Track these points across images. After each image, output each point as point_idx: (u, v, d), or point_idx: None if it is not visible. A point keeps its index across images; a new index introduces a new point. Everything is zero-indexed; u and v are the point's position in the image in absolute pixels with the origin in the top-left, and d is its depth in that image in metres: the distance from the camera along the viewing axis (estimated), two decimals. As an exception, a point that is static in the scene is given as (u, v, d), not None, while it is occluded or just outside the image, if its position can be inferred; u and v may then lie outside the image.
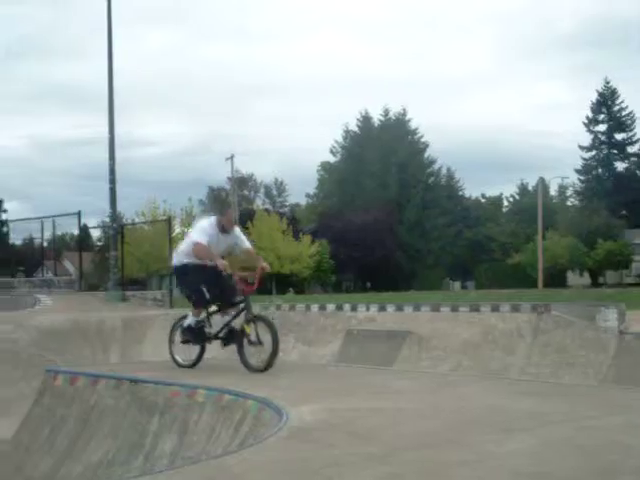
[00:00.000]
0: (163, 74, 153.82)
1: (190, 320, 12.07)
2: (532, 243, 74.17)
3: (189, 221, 71.52)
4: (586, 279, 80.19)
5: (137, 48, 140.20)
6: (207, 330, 12.07)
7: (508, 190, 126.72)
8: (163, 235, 34.01)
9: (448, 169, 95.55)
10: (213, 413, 9.17)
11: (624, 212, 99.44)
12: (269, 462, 5.99)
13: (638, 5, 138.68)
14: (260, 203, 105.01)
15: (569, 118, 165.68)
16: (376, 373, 11.86)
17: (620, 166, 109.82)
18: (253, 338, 11.22)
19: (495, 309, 13.57)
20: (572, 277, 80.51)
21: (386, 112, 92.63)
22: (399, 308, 14.96)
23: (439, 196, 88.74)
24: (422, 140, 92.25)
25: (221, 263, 11.26)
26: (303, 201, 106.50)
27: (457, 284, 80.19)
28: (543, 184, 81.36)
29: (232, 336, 11.71)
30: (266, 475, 5.62)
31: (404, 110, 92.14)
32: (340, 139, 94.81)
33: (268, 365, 11.05)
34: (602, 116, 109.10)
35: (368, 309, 15.33)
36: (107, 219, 29.18)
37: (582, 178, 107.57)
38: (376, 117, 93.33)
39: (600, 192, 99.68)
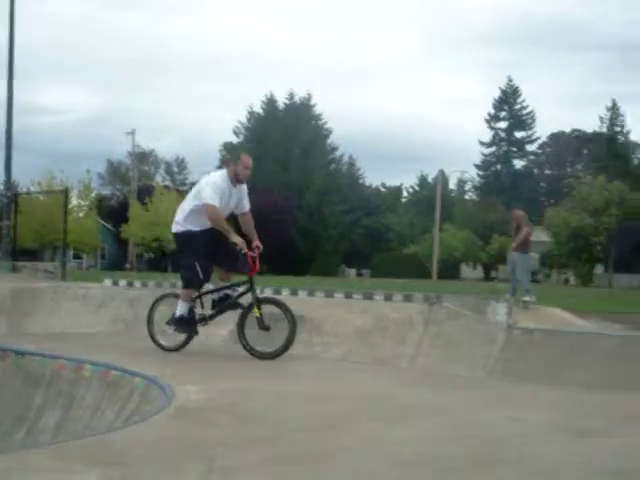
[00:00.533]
0: (67, 43, 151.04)
1: (181, 309, 10.80)
2: (429, 234, 75.18)
3: (86, 193, 70.50)
4: (479, 272, 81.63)
5: (41, 14, 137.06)
6: (198, 312, 10.97)
7: (408, 181, 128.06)
8: (59, 206, 33.35)
9: (350, 157, 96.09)
10: (99, 389, 9.03)
11: (520, 209, 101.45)
12: (153, 440, 5.93)
13: (548, 6, 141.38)
14: (160, 180, 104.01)
15: (474, 113, 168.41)
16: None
17: (518, 163, 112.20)
18: (266, 322, 10.41)
19: (388, 298, 13.65)
20: (466, 270, 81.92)
21: (291, 96, 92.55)
22: (293, 292, 14.94)
23: (340, 183, 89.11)
24: (326, 126, 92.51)
25: (239, 241, 10.31)
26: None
27: (353, 271, 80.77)
28: (443, 177, 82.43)
29: (231, 304, 10.85)
30: (150, 452, 5.56)
31: (309, 95, 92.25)
32: (244, 120, 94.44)
33: (283, 350, 10.35)
34: (503, 113, 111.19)
35: (262, 292, 15.29)
36: (0, 187, 28.44)
37: (481, 173, 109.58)
38: (281, 100, 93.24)
39: (498, 188, 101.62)
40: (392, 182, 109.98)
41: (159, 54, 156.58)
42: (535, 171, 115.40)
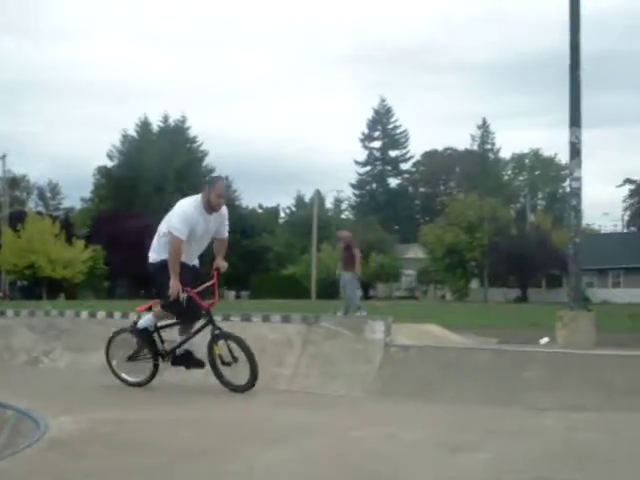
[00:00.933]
0: None
1: (148, 321, 10.19)
2: (307, 255, 75.45)
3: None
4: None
5: None
6: (158, 345, 10.22)
7: (285, 202, 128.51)
8: None
9: (226, 178, 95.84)
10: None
11: (396, 227, 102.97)
12: (23, 474, 5.77)
13: (414, 29, 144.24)
14: (33, 205, 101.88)
15: (349, 133, 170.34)
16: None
17: (393, 182, 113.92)
18: (227, 358, 9.75)
19: (266, 319, 13.62)
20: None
21: (165, 119, 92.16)
22: (171, 317, 14.78)
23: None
24: (201, 148, 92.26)
25: (175, 289, 9.46)
26: (78, 205, 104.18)
27: (232, 293, 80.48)
28: (319, 197, 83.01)
29: (189, 358, 10.13)
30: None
31: (184, 118, 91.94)
32: (118, 144, 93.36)
33: (251, 385, 9.84)
34: (377, 133, 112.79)
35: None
36: None
37: (357, 192, 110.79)
38: (155, 123, 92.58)
39: (374, 207, 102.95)
40: (269, 203, 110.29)
41: (31, 78, 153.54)
42: (410, 189, 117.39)
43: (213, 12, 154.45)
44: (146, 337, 10.14)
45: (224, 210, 10.21)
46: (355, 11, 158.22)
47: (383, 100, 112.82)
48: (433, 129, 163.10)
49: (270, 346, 12.97)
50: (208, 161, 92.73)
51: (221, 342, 9.80)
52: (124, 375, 10.53)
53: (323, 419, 8.28)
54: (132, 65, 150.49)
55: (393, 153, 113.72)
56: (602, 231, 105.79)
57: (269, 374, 12.41)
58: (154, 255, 10.01)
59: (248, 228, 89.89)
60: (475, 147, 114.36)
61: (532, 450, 6.43)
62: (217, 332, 9.84)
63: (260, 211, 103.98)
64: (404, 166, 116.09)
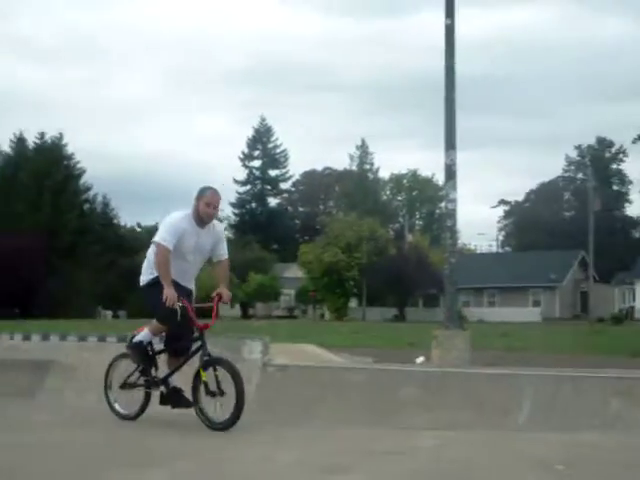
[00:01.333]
0: None
1: (143, 335, 9.30)
2: (186, 274, 74.78)
3: None
4: (237, 311, 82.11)
5: None
6: (152, 372, 9.40)
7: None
8: None
9: (104, 196, 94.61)
10: None
11: (275, 246, 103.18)
12: None
13: (293, 49, 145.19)
14: None
15: (228, 152, 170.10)
16: (12, 405, 11.36)
17: (273, 201, 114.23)
18: (212, 387, 8.71)
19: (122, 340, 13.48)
20: (224, 308, 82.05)
21: (42, 135, 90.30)
22: (45, 337, 14.47)
23: (94, 223, 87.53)
24: (78, 166, 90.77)
25: (170, 293, 8.75)
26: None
27: (109, 313, 79.26)
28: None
29: (178, 397, 9.15)
30: None
31: (60, 135, 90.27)
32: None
33: (232, 422, 8.66)
34: (257, 152, 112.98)
35: (12, 337, 14.70)
36: None
37: (237, 212, 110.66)
38: (31, 140, 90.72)
39: (253, 226, 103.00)
40: (148, 222, 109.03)
41: None
42: (289, 208, 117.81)
43: (90, 28, 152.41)
44: (141, 351, 9.26)
45: (219, 227, 9.66)
46: (237, 30, 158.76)
47: (263, 119, 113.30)
48: (312, 149, 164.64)
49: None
50: (85, 179, 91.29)
51: (210, 370, 8.80)
52: (117, 405, 9.79)
53: (198, 441, 8.22)
54: (11, 80, 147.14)
55: (273, 172, 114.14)
56: (478, 251, 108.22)
57: (144, 395, 12.28)
58: (144, 277, 9.25)
59: (126, 247, 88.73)
60: (354, 167, 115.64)
61: (405, 470, 6.53)
62: (207, 358, 8.88)
63: (139, 230, 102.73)
64: (284, 185, 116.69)
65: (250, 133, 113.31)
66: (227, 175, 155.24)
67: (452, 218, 16.36)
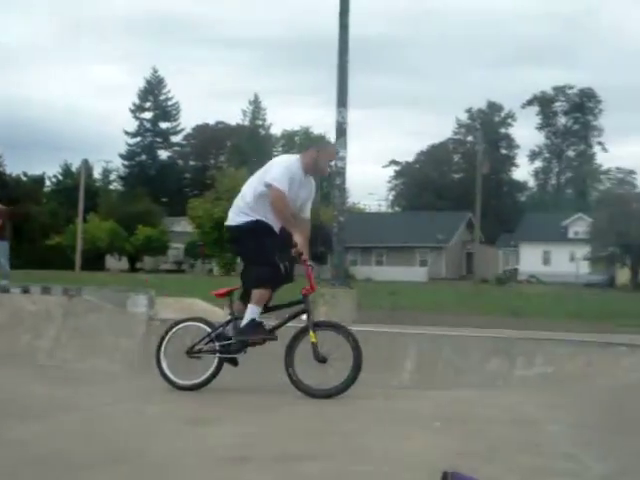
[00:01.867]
0: None
1: (253, 312, 8.31)
2: (72, 225, 73.61)
3: None
4: (125, 263, 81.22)
5: None
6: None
7: (52, 170, 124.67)
8: None
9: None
10: None
11: (165, 199, 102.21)
12: None
13: (188, 2, 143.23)
14: None
15: (120, 103, 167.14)
16: None
17: (164, 154, 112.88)
18: (323, 352, 8.06)
19: (26, 291, 13.24)
20: (111, 261, 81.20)
21: None
22: None
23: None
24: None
25: (300, 243, 8.26)
26: None
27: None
28: (86, 166, 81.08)
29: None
30: None
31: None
32: None
33: (350, 383, 8.02)
34: (149, 104, 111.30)
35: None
36: None
37: (126, 163, 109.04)
38: None
39: (143, 178, 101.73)
40: (34, 171, 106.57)
41: None
42: (180, 162, 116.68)
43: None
44: (257, 328, 8.37)
45: (313, 183, 8.89)
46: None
47: (155, 71, 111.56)
48: (205, 103, 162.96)
49: (28, 317, 12.60)
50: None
51: (318, 332, 8.17)
52: (170, 374, 8.73)
53: (81, 394, 8.13)
54: None
55: (164, 125, 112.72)
56: (367, 210, 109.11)
57: (27, 347, 12.07)
58: (238, 217, 8.58)
59: (11, 197, 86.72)
60: (246, 122, 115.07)
61: (280, 425, 6.59)
62: (314, 321, 8.33)
63: (25, 179, 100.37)
64: (175, 139, 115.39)
65: (142, 84, 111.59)
66: (117, 127, 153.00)
67: (341, 176, 16.43)
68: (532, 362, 11.53)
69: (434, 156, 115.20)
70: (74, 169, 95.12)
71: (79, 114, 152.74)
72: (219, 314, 16.20)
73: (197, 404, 7.64)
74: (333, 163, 12.71)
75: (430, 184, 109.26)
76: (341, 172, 16.34)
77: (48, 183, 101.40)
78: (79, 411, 7.14)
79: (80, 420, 6.73)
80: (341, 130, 16.30)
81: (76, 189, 74.81)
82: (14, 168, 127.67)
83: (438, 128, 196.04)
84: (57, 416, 6.86)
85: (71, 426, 6.47)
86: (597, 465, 5.17)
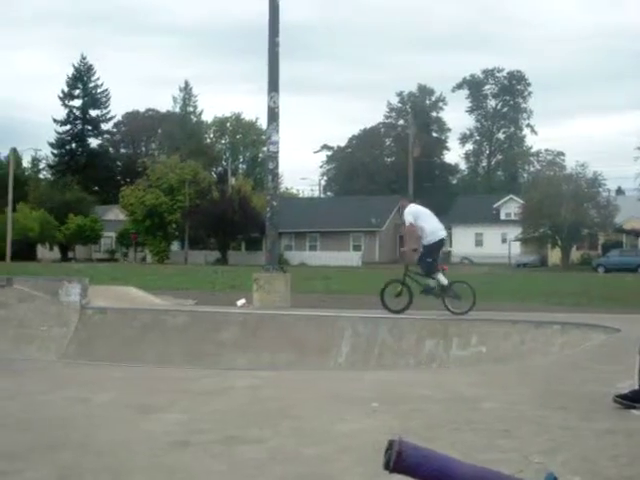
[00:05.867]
0: None
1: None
2: (2, 215, 72.42)
3: None
4: (56, 253, 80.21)
5: None
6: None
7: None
8: None
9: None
10: None
11: (96, 188, 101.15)
12: None
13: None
14: None
15: (47, 91, 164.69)
16: None
17: (94, 142, 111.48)
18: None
19: (-45, 282, 13.04)
20: (42, 251, 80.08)
21: None
22: None
23: None
24: None
25: None
26: None
27: None
28: (15, 155, 79.81)
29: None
30: None
31: None
32: None
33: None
34: (78, 91, 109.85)
35: None
36: None
37: (56, 152, 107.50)
38: None
39: (73, 167, 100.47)
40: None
41: None
42: (111, 150, 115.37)
43: None
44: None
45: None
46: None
47: (84, 58, 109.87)
48: (135, 90, 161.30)
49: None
50: None
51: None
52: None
53: (12, 384, 7.99)
54: None
55: (94, 113, 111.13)
56: (300, 195, 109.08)
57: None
58: None
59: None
60: (177, 109, 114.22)
61: (222, 410, 6.54)
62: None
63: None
64: (105, 126, 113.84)
65: (71, 72, 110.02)
66: (46, 115, 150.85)
67: (274, 161, 16.40)
68: (467, 342, 11.70)
69: (366, 140, 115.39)
70: (2, 158, 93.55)
71: (6, 103, 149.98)
72: (153, 301, 16.12)
73: (145, 391, 7.55)
74: (266, 148, 13.55)
75: (362, 168, 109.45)
76: (274, 156, 16.31)
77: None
78: (13, 401, 7.02)
79: (16, 409, 6.60)
80: (273, 114, 16.26)
81: (5, 178, 73.61)
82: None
83: (371, 114, 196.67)
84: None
85: (3, 416, 6.35)
86: (533, 440, 5.25)
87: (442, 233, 14.18)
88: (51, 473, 4.69)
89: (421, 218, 13.61)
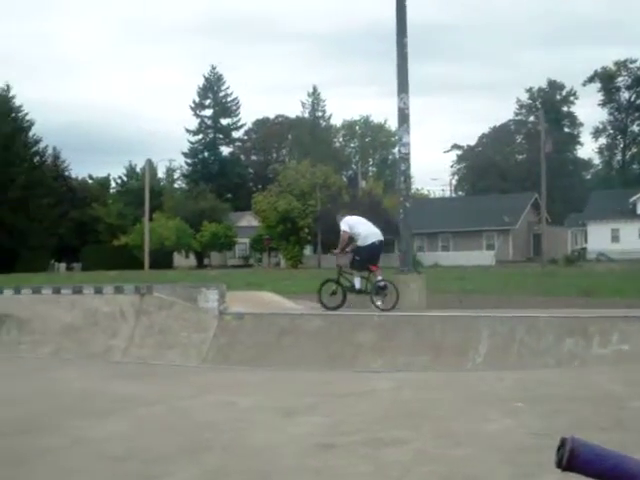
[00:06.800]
0: None
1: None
2: (139, 224, 74.35)
3: None
4: (192, 261, 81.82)
5: None
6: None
7: (116, 171, 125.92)
8: None
9: (54, 148, 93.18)
10: None
11: (229, 195, 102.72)
12: None
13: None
14: None
15: (178, 102, 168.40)
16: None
17: (225, 150, 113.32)
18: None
19: (99, 291, 13.39)
20: (178, 258, 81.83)
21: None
22: (-1, 291, 14.34)
23: (44, 176, 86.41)
24: (27, 118, 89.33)
25: None
26: None
27: (63, 266, 78.65)
28: (150, 166, 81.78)
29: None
30: None
31: (8, 86, 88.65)
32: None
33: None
34: (208, 101, 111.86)
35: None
36: None
37: (189, 161, 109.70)
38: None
39: (206, 175, 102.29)
40: (99, 173, 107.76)
41: None
42: (242, 157, 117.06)
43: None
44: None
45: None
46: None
47: (214, 68, 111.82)
48: (264, 97, 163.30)
49: (103, 318, 12.76)
50: (34, 131, 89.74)
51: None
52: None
53: (158, 389, 8.19)
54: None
55: (225, 121, 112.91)
56: (431, 196, 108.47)
57: (103, 346, 12.22)
58: None
59: (78, 199, 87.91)
60: (306, 114, 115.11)
61: (364, 412, 6.54)
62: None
63: (90, 182, 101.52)
64: (236, 134, 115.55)
65: (201, 82, 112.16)
66: (179, 125, 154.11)
67: (406, 162, 16.32)
68: (608, 340, 11.40)
69: (496, 138, 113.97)
70: (138, 170, 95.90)
71: (141, 115, 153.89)
72: (288, 306, 16.25)
73: (287, 395, 7.61)
74: (397, 150, 14.13)
75: (493, 167, 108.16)
76: (405, 158, 16.24)
77: (113, 185, 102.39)
78: (159, 405, 7.18)
79: (161, 414, 6.75)
80: (403, 116, 16.19)
81: (141, 189, 75.50)
82: (79, 171, 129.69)
83: (500, 111, 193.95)
84: (138, 412, 6.90)
85: (153, 422, 6.50)
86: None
87: (374, 238, 14.89)
88: (199, 476, 4.78)
89: (356, 226, 14.85)
